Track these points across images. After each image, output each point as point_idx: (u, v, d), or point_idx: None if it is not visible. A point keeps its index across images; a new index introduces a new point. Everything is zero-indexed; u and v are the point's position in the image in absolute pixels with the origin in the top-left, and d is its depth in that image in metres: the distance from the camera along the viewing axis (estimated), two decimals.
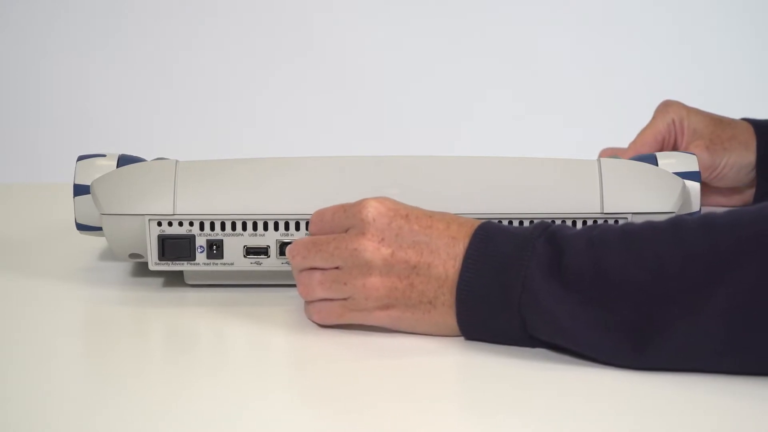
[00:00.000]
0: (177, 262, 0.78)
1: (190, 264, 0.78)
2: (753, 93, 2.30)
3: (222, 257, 0.78)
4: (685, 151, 1.02)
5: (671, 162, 0.83)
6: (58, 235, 0.96)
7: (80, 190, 0.82)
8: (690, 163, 0.84)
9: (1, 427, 0.57)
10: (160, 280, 0.82)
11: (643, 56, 2.38)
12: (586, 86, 2.37)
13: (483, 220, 0.70)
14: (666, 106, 1.07)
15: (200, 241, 0.78)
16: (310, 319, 0.73)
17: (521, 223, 0.78)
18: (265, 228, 0.78)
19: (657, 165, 0.83)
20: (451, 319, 0.69)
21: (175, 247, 0.78)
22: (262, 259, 0.78)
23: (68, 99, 2.35)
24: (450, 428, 0.58)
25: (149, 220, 0.77)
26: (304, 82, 2.36)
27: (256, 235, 0.78)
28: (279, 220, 0.78)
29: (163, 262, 0.78)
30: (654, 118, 1.07)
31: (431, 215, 0.70)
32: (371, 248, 0.69)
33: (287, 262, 0.78)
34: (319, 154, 0.83)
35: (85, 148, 1.04)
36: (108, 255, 0.89)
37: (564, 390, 0.63)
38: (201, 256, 0.78)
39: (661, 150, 1.05)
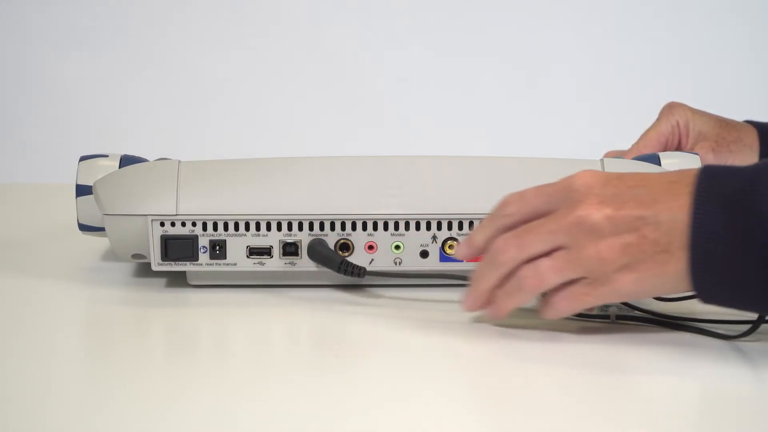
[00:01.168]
0: (180, 263, 0.78)
1: (193, 264, 0.78)
2: (755, 95, 2.30)
3: (225, 258, 0.78)
4: (689, 151, 1.01)
5: (674, 162, 0.83)
6: (60, 236, 0.96)
7: (82, 190, 0.82)
8: (693, 163, 0.84)
9: (1, 427, 0.56)
10: (162, 281, 0.82)
11: (647, 57, 2.38)
12: (589, 87, 2.36)
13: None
14: (671, 108, 1.07)
15: (203, 242, 0.77)
16: (547, 314, 0.69)
17: None
18: (268, 228, 0.77)
19: (660, 165, 0.83)
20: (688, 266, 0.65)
21: (178, 247, 0.77)
22: (265, 259, 0.78)
23: (69, 99, 2.35)
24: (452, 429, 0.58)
25: (152, 220, 0.77)
26: (307, 82, 2.36)
27: (259, 235, 0.77)
28: (282, 220, 0.77)
29: (166, 262, 0.78)
30: (658, 119, 1.07)
31: (644, 172, 0.68)
32: (593, 211, 0.66)
33: (290, 263, 0.77)
34: (322, 154, 0.83)
35: (86, 148, 1.04)
36: (110, 255, 0.89)
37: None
38: (204, 257, 0.78)
39: (664, 151, 1.05)
